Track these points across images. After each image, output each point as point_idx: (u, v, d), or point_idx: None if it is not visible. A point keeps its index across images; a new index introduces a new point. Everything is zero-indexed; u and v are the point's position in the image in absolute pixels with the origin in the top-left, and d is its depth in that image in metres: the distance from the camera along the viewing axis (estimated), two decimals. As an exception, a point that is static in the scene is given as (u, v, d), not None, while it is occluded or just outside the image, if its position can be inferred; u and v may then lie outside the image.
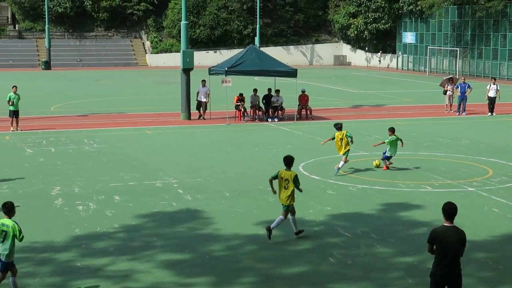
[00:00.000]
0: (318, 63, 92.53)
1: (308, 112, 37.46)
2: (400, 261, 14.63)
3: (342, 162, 22.70)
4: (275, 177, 15.86)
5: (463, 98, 39.41)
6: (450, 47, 74.20)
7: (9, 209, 12.20)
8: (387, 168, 23.70)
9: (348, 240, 15.96)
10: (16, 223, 12.17)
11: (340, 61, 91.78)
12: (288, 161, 15.80)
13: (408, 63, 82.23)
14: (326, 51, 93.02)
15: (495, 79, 41.38)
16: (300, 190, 16.07)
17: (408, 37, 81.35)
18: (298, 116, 37.03)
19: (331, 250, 15.22)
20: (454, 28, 74.15)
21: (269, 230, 15.69)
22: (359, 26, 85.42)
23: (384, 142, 23.95)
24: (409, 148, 27.60)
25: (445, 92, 40.94)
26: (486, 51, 69.79)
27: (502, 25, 67.66)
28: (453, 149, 27.89)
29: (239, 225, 17.10)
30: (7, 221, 12.14)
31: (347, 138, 22.67)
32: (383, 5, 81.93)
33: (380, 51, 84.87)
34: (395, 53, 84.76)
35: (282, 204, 15.91)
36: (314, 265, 14.31)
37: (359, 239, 15.99)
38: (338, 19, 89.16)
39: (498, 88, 39.27)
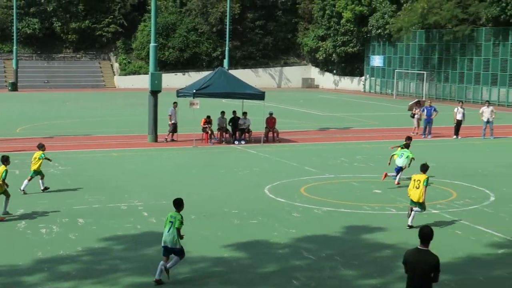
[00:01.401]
0: (287, 85, 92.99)
1: (275, 134, 37.59)
2: (364, 284, 14.70)
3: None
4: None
5: (429, 121, 39.86)
6: (417, 70, 75.07)
7: (178, 204, 14.76)
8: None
9: (312, 262, 16.02)
10: (181, 216, 14.59)
11: (308, 83, 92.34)
12: (426, 168, 19.56)
13: (375, 86, 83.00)
14: (295, 74, 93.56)
15: (462, 102, 42.00)
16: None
17: (376, 60, 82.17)
18: (265, 138, 37.16)
19: (295, 273, 15.25)
20: (421, 51, 75.13)
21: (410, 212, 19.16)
22: (327, 49, 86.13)
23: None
24: (375, 171, 27.81)
25: (413, 116, 41.44)
26: (452, 74, 70.71)
27: (468, 49, 68.63)
28: (418, 171, 28.00)
29: (205, 247, 17.08)
30: (175, 214, 14.62)
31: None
32: (351, 28, 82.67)
33: (365, 75, 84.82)
34: (363, 76, 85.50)
35: (411, 201, 19.19)
36: (278, 288, 14.34)
37: (323, 262, 16.05)
38: (307, 42, 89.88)
39: (494, 111, 39.81)
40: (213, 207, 21.50)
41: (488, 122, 39.23)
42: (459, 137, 39.09)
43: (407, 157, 25.06)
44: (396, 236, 18.18)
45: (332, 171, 27.83)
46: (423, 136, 39.79)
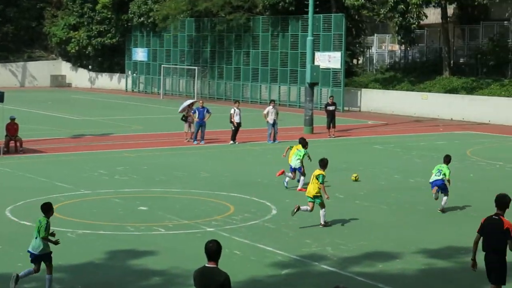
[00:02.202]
0: (32, 84, 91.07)
1: (18, 144, 36.67)
2: (129, 319, 14.67)
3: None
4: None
5: (201, 125, 40.45)
6: (187, 65, 76.23)
7: (46, 209, 15.79)
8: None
9: (65, 297, 15.76)
10: (46, 221, 15.59)
11: (59, 82, 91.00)
12: (324, 163, 22.06)
13: (139, 84, 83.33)
14: (42, 70, 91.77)
15: (239, 102, 43.07)
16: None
17: (139, 54, 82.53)
18: (6, 149, 36.11)
19: (45, 311, 14.94)
20: (191, 43, 76.36)
21: (297, 209, 21.53)
22: (81, 41, 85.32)
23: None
24: (140, 184, 27.93)
25: (184, 119, 41.73)
26: (227, 70, 72.48)
27: (245, 41, 70.62)
28: (190, 183, 28.54)
29: None
30: (41, 219, 15.60)
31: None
32: (109, 16, 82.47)
33: (127, 71, 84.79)
34: (124, 73, 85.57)
35: (307, 196, 21.70)
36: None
37: (79, 296, 15.85)
38: (56, 32, 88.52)
39: (278, 111, 41.23)
40: None
41: (274, 124, 40.65)
42: (237, 142, 40.12)
43: (300, 156, 27.29)
44: (166, 260, 18.30)
45: (88, 186, 27.56)
46: (195, 142, 40.40)
